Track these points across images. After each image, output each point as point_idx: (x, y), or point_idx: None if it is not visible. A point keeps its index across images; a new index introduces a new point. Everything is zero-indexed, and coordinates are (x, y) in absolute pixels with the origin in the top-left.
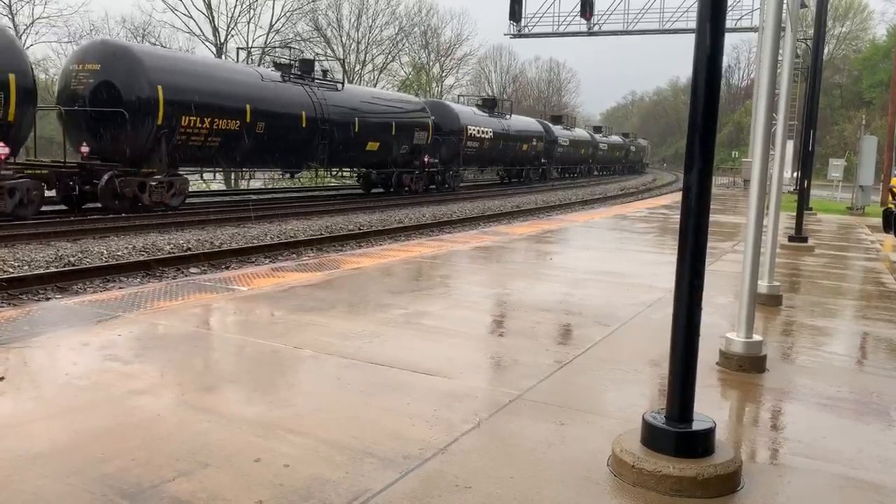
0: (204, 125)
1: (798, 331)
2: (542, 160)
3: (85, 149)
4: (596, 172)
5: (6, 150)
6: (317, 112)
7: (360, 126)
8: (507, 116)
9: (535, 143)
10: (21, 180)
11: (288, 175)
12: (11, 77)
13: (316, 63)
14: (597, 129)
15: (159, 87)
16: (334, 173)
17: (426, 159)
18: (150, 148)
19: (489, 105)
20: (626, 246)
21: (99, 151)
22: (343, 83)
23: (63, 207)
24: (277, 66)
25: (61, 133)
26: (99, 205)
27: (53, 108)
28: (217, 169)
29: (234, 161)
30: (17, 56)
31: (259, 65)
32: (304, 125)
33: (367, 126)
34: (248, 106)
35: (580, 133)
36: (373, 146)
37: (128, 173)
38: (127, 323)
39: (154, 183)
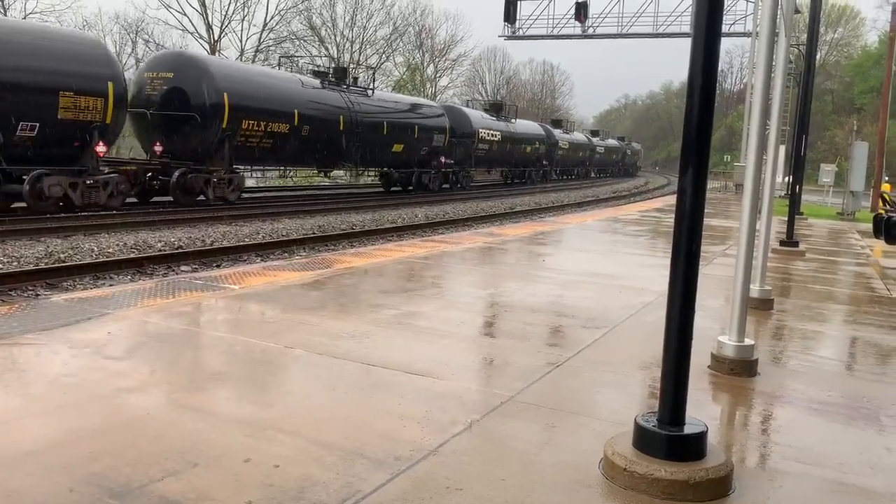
0: (259, 128)
1: (789, 335)
2: (544, 162)
3: (158, 148)
4: (593, 174)
5: (104, 149)
6: (351, 116)
7: (388, 129)
8: (513, 120)
9: (537, 145)
10: (112, 175)
11: (322, 173)
12: (110, 84)
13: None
14: (594, 133)
15: (225, 94)
16: (361, 171)
17: (442, 160)
18: (215, 148)
19: (495, 109)
20: (619, 248)
21: (170, 151)
22: (373, 89)
23: (134, 200)
24: (315, 73)
25: (134, 133)
26: (155, 198)
27: (141, 112)
28: (266, 168)
29: (281, 160)
30: (113, 66)
31: (253, 62)
32: (341, 128)
33: (394, 129)
34: (296, 111)
35: (578, 137)
36: (398, 148)
37: (195, 170)
38: (117, 320)
39: (216, 179)
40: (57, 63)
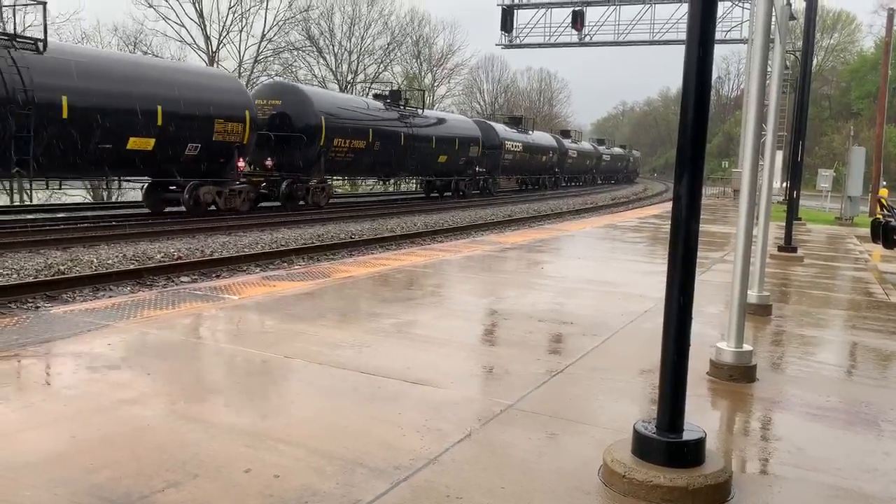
0: (346, 145)
1: (788, 340)
2: (556, 170)
3: (269, 162)
4: (599, 181)
5: (243, 164)
6: (409, 132)
7: (435, 142)
8: (531, 132)
9: (550, 154)
10: (244, 185)
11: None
12: (247, 112)
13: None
14: (600, 142)
15: (322, 118)
16: (410, 179)
17: (477, 169)
18: (313, 162)
19: (515, 122)
20: (618, 255)
21: (279, 164)
22: (423, 108)
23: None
24: (376, 96)
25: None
26: (256, 204)
27: (264, 133)
28: (345, 178)
29: (357, 171)
30: (248, 97)
31: (251, 73)
32: (402, 143)
33: (440, 142)
34: (370, 129)
35: (586, 146)
36: (443, 158)
37: (299, 181)
38: (117, 332)
39: (313, 188)
40: (213, 96)
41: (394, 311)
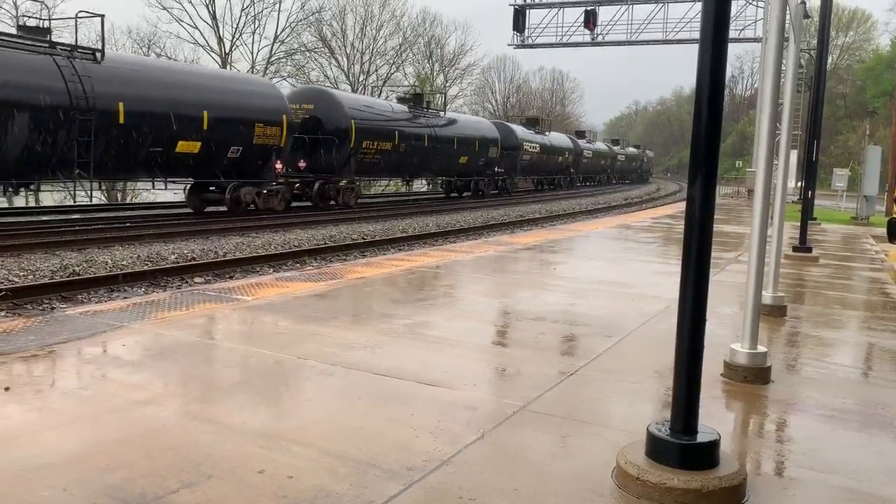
0: (374, 146)
1: (803, 342)
2: (571, 170)
3: (302, 164)
4: (614, 181)
5: (280, 166)
6: (432, 134)
7: (457, 144)
8: (547, 133)
9: (566, 155)
10: (281, 185)
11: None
12: (284, 116)
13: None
14: (615, 142)
15: (352, 121)
16: (431, 180)
17: (496, 169)
18: (343, 163)
19: (532, 123)
20: (631, 256)
21: (311, 166)
22: (444, 110)
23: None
24: (399, 99)
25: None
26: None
27: (299, 136)
28: (371, 178)
29: (383, 172)
30: (284, 102)
31: (264, 74)
32: (426, 144)
33: (461, 143)
34: (396, 132)
35: (601, 146)
36: (464, 159)
37: (330, 181)
38: (131, 333)
39: (343, 188)
40: (253, 101)
41: (406, 312)
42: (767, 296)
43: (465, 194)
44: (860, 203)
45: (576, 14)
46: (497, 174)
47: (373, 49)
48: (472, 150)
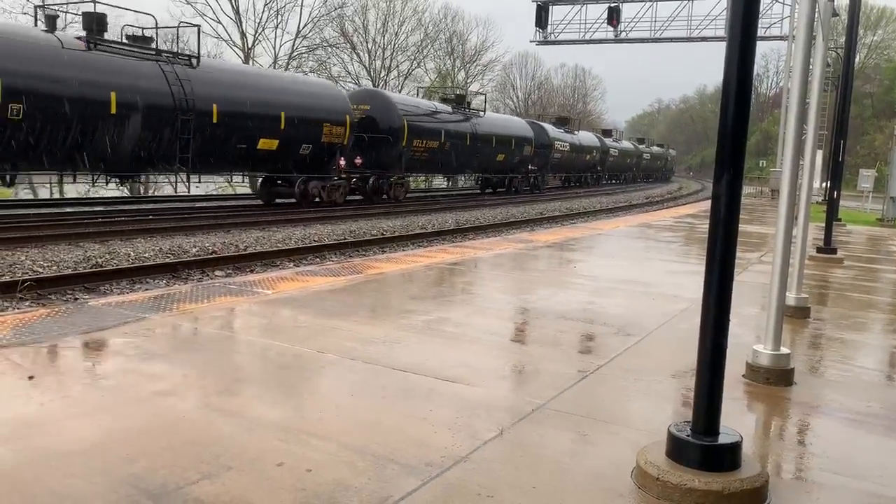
0: (423, 144)
1: (826, 344)
2: (598, 168)
3: (358, 160)
4: (639, 179)
5: (344, 163)
6: (474, 133)
7: (495, 142)
8: (576, 132)
9: (594, 153)
10: (342, 180)
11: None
12: (347, 117)
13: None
14: (640, 141)
15: (405, 120)
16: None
17: (529, 167)
18: (395, 160)
19: (562, 122)
20: (652, 255)
21: (366, 163)
22: (484, 111)
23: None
24: (444, 100)
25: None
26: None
27: (359, 135)
28: (418, 174)
29: (430, 169)
30: (347, 104)
31: (286, 69)
32: (468, 143)
33: (499, 142)
34: (442, 130)
35: (626, 145)
36: (500, 157)
37: (384, 177)
38: (153, 324)
39: (394, 183)
40: (321, 103)
41: (425, 308)
42: (791, 297)
43: (498, 190)
44: (886, 204)
45: (599, 10)
46: (530, 171)
47: (394, 45)
48: (509, 149)
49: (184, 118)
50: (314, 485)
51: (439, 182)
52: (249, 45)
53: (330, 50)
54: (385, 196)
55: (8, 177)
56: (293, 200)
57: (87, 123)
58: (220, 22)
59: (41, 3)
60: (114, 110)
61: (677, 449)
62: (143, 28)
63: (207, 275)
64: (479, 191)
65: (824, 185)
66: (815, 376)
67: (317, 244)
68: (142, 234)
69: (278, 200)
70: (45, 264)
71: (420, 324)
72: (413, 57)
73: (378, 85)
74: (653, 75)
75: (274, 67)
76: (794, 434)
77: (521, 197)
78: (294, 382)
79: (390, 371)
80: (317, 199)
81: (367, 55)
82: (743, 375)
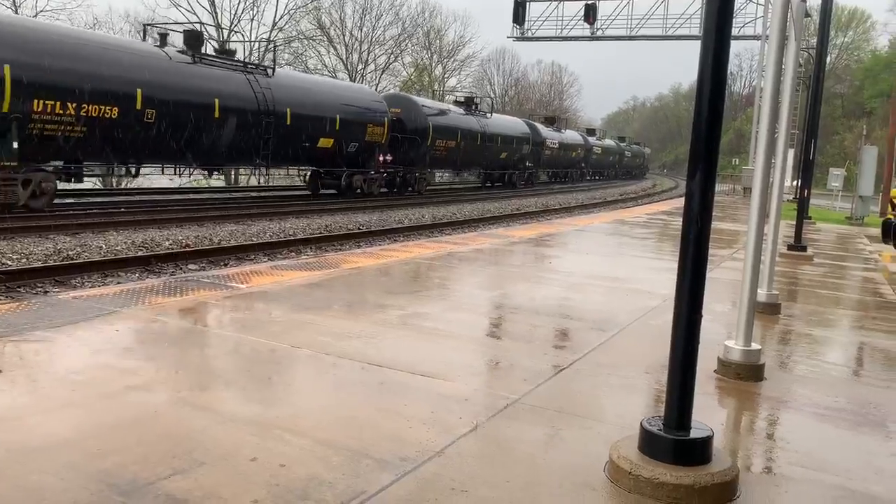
0: (444, 143)
1: (796, 340)
2: (582, 165)
3: (388, 157)
4: (620, 176)
5: (381, 159)
6: (483, 133)
7: (500, 141)
8: (563, 131)
9: (579, 151)
10: (379, 174)
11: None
12: (385, 119)
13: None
14: (621, 139)
15: (430, 122)
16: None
17: (526, 163)
18: (420, 157)
19: (550, 121)
20: (626, 251)
21: (395, 160)
22: (492, 113)
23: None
24: (456, 102)
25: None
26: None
27: (392, 136)
28: (437, 170)
29: (447, 165)
30: (385, 107)
31: (262, 61)
32: (478, 142)
33: (503, 141)
34: (459, 131)
35: (609, 143)
36: (503, 154)
37: (410, 172)
38: (125, 318)
39: (418, 178)
40: (365, 107)
41: (401, 303)
42: (762, 293)
43: (496, 184)
44: (855, 203)
45: (576, 8)
46: (527, 168)
47: (371, 38)
48: (511, 147)
49: (266, 120)
50: (288, 480)
51: (446, 177)
52: (225, 37)
53: (307, 43)
54: (410, 189)
55: (133, 169)
56: (334, 191)
57: (197, 125)
58: (194, 12)
59: (150, 22)
60: (217, 114)
61: (649, 443)
62: (226, 41)
63: (181, 268)
64: (479, 185)
65: (795, 183)
66: (784, 372)
67: (292, 238)
68: (113, 227)
69: (323, 192)
70: (14, 257)
71: (396, 319)
72: (390, 51)
73: (354, 78)
74: (628, 73)
75: (249, 58)
76: (764, 428)
77: (518, 191)
78: (268, 377)
79: (365, 366)
80: (358, 191)
81: (344, 48)
82: (714, 371)
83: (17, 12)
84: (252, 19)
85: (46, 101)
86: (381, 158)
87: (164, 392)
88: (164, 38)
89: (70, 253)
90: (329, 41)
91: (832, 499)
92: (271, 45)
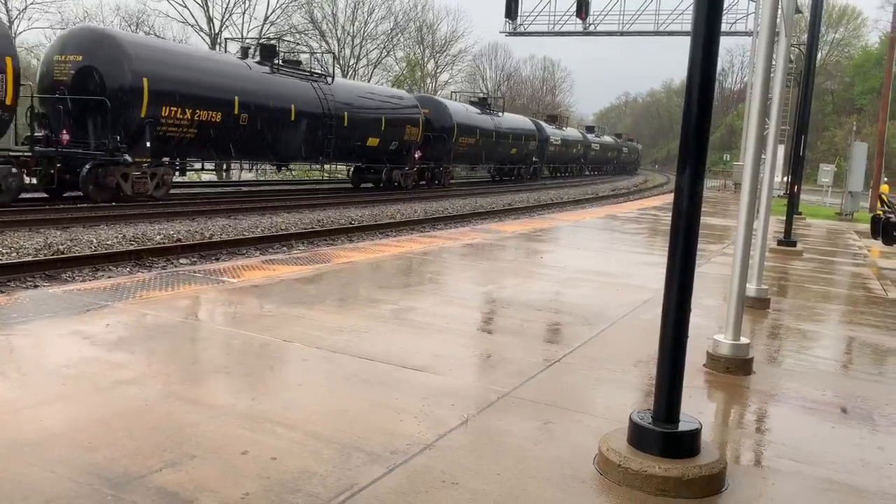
0: (465, 141)
1: (785, 334)
2: (581, 160)
3: (419, 154)
4: (617, 171)
5: (417, 156)
6: (497, 131)
7: (511, 138)
8: (565, 128)
9: (579, 147)
10: (414, 170)
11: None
12: (421, 120)
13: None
14: (618, 136)
15: (455, 121)
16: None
17: (533, 159)
18: (446, 153)
19: (552, 119)
20: (617, 246)
21: (426, 156)
22: (503, 112)
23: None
24: (472, 102)
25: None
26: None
27: (425, 135)
28: (459, 165)
29: (467, 161)
30: (420, 108)
31: (253, 57)
32: (493, 139)
33: (514, 137)
34: (478, 129)
35: (607, 139)
36: (514, 150)
37: (439, 167)
38: (115, 312)
39: (445, 172)
40: (403, 109)
41: (393, 298)
42: (751, 288)
43: (504, 179)
44: (845, 199)
45: (568, 3)
46: (533, 163)
47: (363, 33)
48: (520, 143)
49: (329, 123)
50: (279, 472)
51: (462, 173)
52: (216, 31)
53: (298, 37)
54: (437, 182)
55: (224, 165)
56: (370, 185)
57: (278, 127)
58: (185, 6)
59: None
60: (293, 118)
61: (638, 436)
62: (294, 52)
63: (172, 263)
64: (490, 179)
65: (785, 179)
66: (773, 366)
67: (283, 233)
68: (104, 221)
69: (363, 185)
70: (5, 251)
71: (387, 313)
72: (382, 45)
73: (346, 73)
74: (621, 69)
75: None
76: (753, 422)
77: (525, 184)
78: (259, 371)
79: (357, 360)
80: (395, 184)
81: (336, 43)
82: (704, 365)
83: (6, 5)
84: (244, 13)
85: (171, 108)
86: (417, 155)
87: (155, 386)
88: (245, 51)
89: (61, 247)
90: (321, 35)
91: (819, 491)
92: (328, 56)
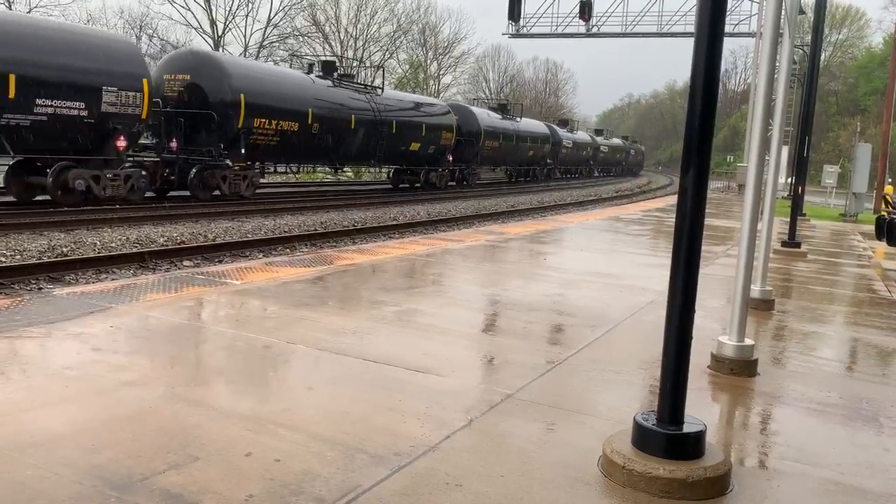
0: (489, 144)
1: (789, 336)
2: (591, 162)
3: (450, 157)
4: (625, 172)
5: (450, 158)
6: (517, 134)
7: (529, 141)
8: (575, 132)
9: (588, 150)
10: (447, 171)
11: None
12: (454, 126)
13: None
14: (625, 138)
15: (481, 127)
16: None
17: (547, 161)
18: (473, 156)
19: (563, 123)
20: (621, 248)
21: (455, 158)
22: (521, 117)
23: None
24: (492, 108)
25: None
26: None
27: (459, 139)
28: (488, 167)
29: (490, 162)
30: (453, 115)
31: (256, 58)
32: (513, 142)
33: (532, 140)
34: (501, 133)
35: (615, 142)
36: (531, 153)
37: (467, 168)
38: (119, 314)
39: (471, 172)
40: (439, 115)
41: (396, 299)
42: (756, 290)
43: (519, 179)
44: (849, 200)
45: (571, 4)
46: (547, 164)
47: (366, 35)
48: (536, 146)
49: (380, 130)
50: (282, 474)
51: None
52: (219, 34)
53: (301, 39)
54: (465, 182)
55: (297, 167)
56: (406, 185)
57: (341, 135)
58: (188, 9)
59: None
60: (353, 126)
61: (643, 438)
62: (350, 66)
63: (175, 265)
64: (507, 179)
65: (789, 180)
66: (777, 367)
67: (287, 235)
68: (108, 224)
69: (402, 185)
70: (8, 253)
71: (391, 315)
72: (385, 48)
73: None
74: (624, 70)
75: (244, 56)
76: (757, 423)
77: (541, 184)
78: (262, 373)
79: (360, 361)
80: (431, 184)
81: (339, 45)
82: (708, 366)
83: (10, 8)
84: (247, 16)
85: (261, 119)
86: (449, 158)
87: (159, 387)
88: (310, 67)
89: (64, 249)
90: (324, 38)
91: (824, 493)
92: (378, 70)
